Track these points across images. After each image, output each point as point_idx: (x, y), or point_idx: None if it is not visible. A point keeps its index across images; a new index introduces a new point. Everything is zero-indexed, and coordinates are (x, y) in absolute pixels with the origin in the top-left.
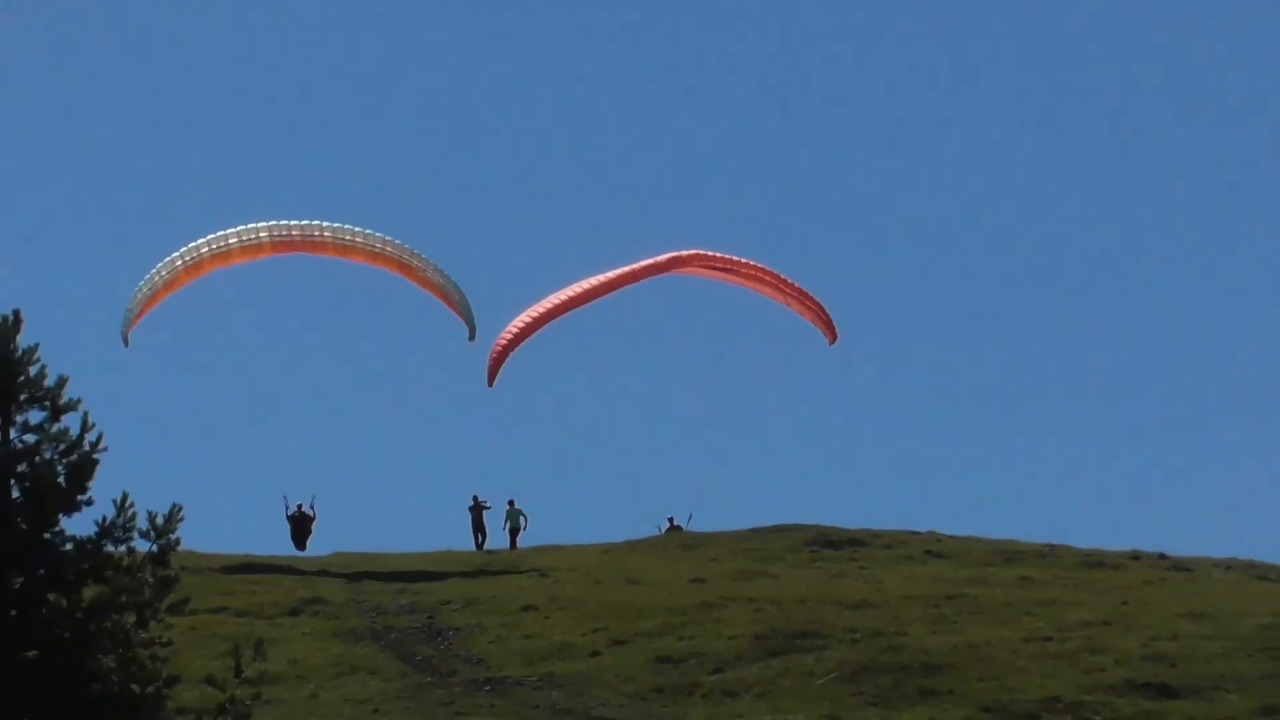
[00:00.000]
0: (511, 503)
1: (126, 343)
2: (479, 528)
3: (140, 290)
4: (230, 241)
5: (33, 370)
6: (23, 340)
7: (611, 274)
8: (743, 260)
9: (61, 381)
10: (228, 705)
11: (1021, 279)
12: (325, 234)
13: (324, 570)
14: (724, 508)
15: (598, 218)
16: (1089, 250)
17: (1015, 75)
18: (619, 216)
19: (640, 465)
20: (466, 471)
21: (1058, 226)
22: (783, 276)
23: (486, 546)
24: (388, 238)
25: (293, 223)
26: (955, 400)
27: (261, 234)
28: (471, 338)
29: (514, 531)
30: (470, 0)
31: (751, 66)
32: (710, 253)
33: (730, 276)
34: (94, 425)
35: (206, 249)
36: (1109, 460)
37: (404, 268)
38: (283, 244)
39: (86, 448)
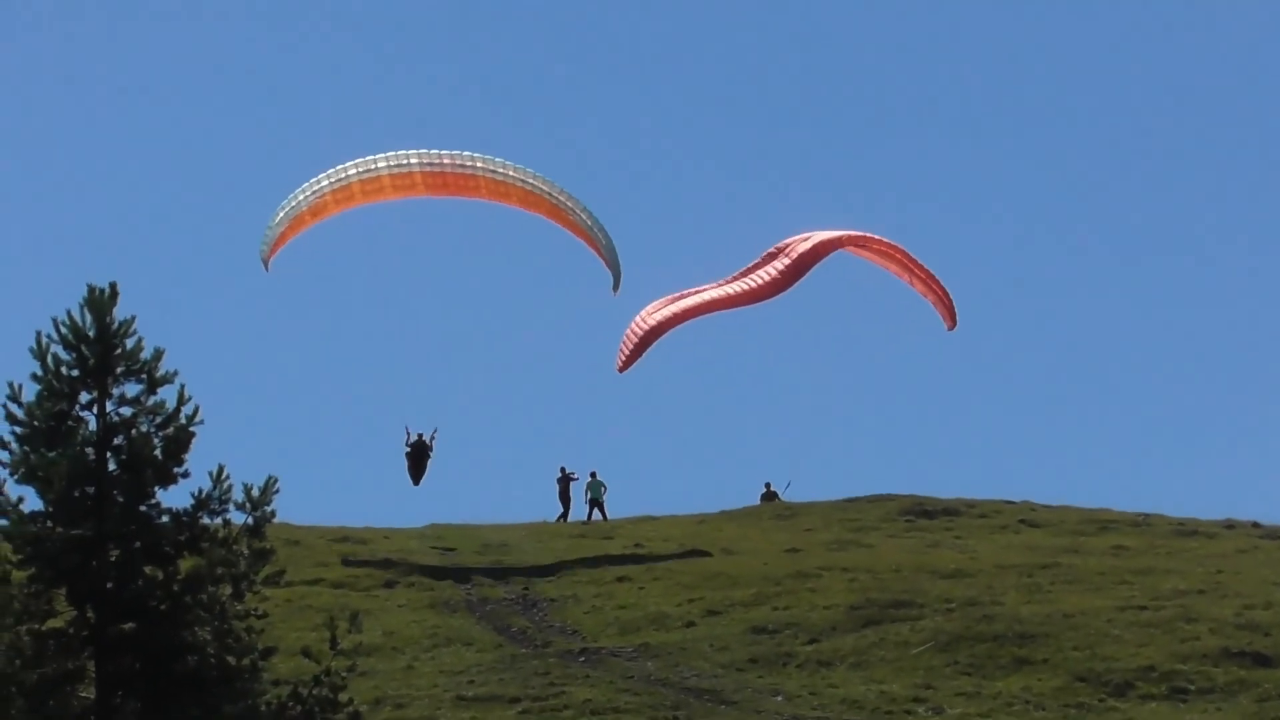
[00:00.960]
0: (594, 474)
1: (267, 267)
2: (565, 500)
3: (282, 212)
4: (379, 166)
5: (129, 343)
6: (119, 313)
7: (769, 273)
8: (876, 237)
9: (158, 354)
10: (323, 677)
11: (1105, 253)
12: (478, 164)
13: (427, 542)
14: (819, 477)
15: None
16: (1176, 226)
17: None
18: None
19: (738, 434)
20: (564, 440)
21: (1151, 203)
22: (913, 257)
23: (571, 519)
24: (535, 172)
25: (444, 152)
26: (1048, 369)
27: (412, 160)
28: (615, 288)
29: (594, 502)
30: None
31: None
32: (857, 233)
33: (861, 251)
34: (190, 398)
35: (355, 171)
36: (1203, 429)
37: (554, 210)
38: (434, 174)
39: (183, 420)
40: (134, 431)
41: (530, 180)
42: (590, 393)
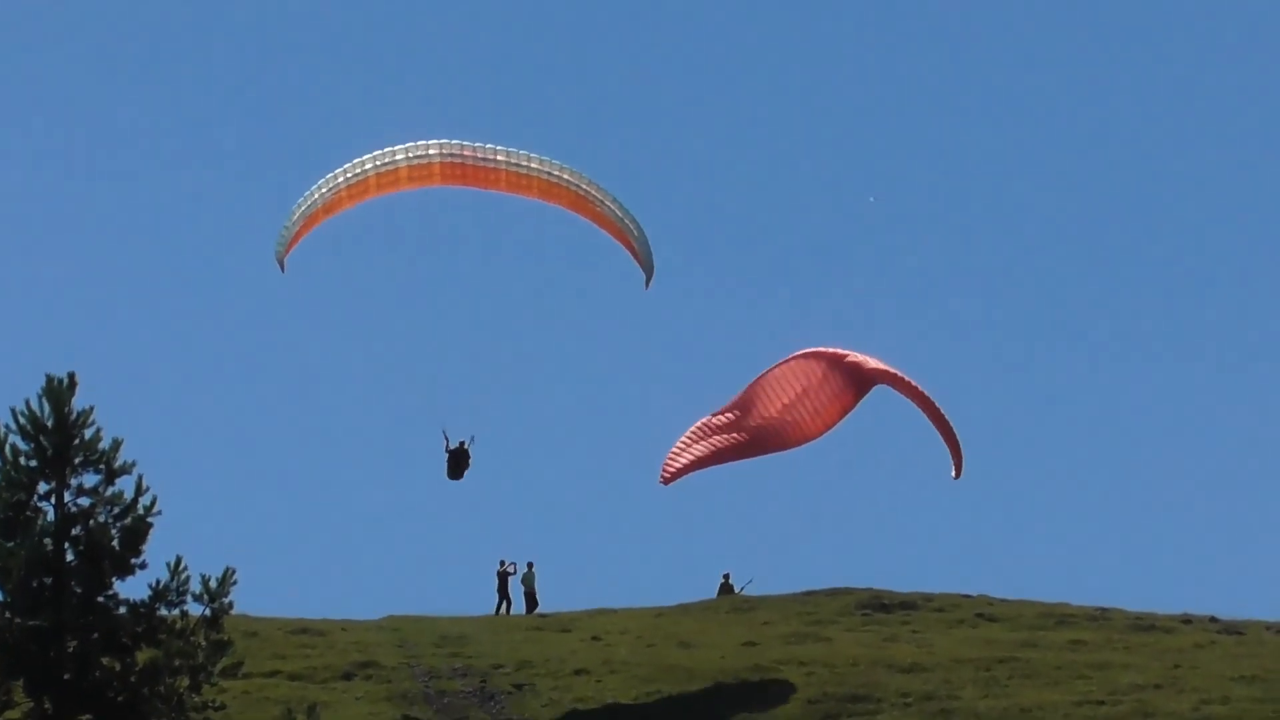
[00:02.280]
0: (530, 565)
1: (283, 268)
2: (503, 593)
3: (297, 210)
4: (397, 158)
5: (87, 433)
6: (78, 403)
7: (816, 414)
8: (909, 382)
9: (116, 444)
10: None
11: (1059, 350)
12: (499, 156)
13: (377, 631)
14: (776, 570)
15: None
16: (1126, 331)
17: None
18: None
19: (696, 526)
20: (519, 530)
21: (1094, 302)
22: (937, 405)
23: (512, 613)
24: (561, 163)
25: (464, 143)
26: (1005, 463)
27: (431, 151)
28: (648, 284)
29: (530, 595)
30: None
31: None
32: (893, 371)
33: (897, 387)
34: (148, 489)
35: (372, 165)
36: (1160, 522)
37: (578, 201)
38: (453, 165)
39: (140, 511)
40: (92, 522)
41: (554, 171)
42: (550, 482)
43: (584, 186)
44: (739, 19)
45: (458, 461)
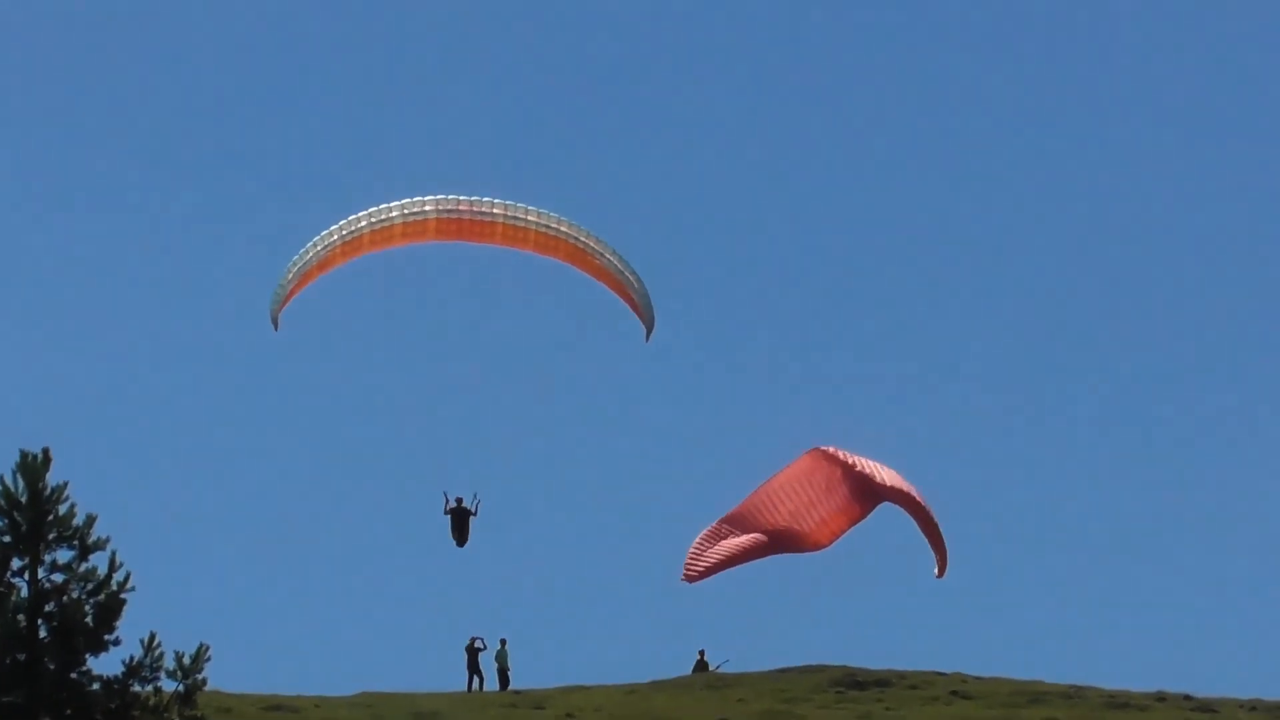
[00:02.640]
0: (503, 641)
1: (276, 326)
2: (474, 668)
3: (292, 268)
4: (392, 215)
5: (62, 509)
6: (52, 478)
7: (823, 524)
8: (917, 500)
9: (90, 520)
10: None
11: (1038, 417)
12: (495, 210)
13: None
14: (751, 647)
15: None
16: (1092, 400)
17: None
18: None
19: (671, 603)
20: (492, 605)
21: (1051, 370)
22: (922, 502)
23: (485, 689)
24: (561, 217)
25: (460, 197)
26: (979, 540)
27: (427, 207)
28: (648, 337)
29: (503, 672)
30: None
31: None
32: (904, 488)
33: (902, 503)
34: (121, 564)
35: (366, 223)
36: (1135, 600)
37: (575, 253)
38: (448, 221)
39: (114, 587)
40: (65, 598)
41: (551, 224)
42: (526, 557)
43: (582, 239)
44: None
45: (459, 522)
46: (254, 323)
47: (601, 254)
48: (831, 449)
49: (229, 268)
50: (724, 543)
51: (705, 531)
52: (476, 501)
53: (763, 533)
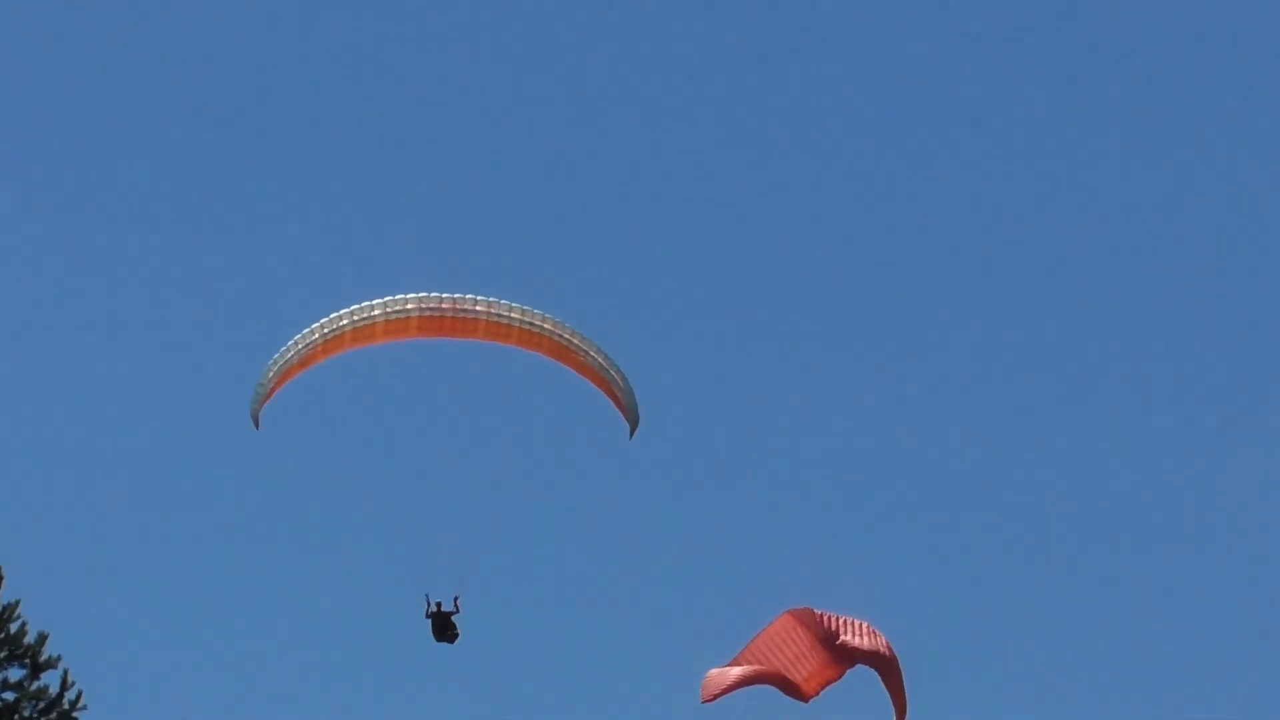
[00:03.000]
0: None
1: (257, 424)
2: None
3: (272, 367)
4: (374, 314)
5: (13, 627)
6: (4, 596)
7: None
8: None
9: (42, 638)
10: None
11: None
12: (478, 307)
13: None
14: None
15: None
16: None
17: None
18: None
19: None
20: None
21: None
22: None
23: None
24: (543, 313)
25: (443, 295)
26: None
27: (409, 306)
28: (632, 434)
29: None
30: None
31: None
32: (883, 652)
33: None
34: (74, 683)
35: (348, 320)
36: None
37: (558, 349)
38: (430, 319)
39: (66, 706)
40: (17, 717)
41: (534, 320)
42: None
43: (565, 335)
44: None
45: (440, 626)
46: (206, 431)
47: (585, 351)
48: (805, 610)
49: (192, 382)
50: (738, 670)
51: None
52: (456, 600)
53: (770, 670)
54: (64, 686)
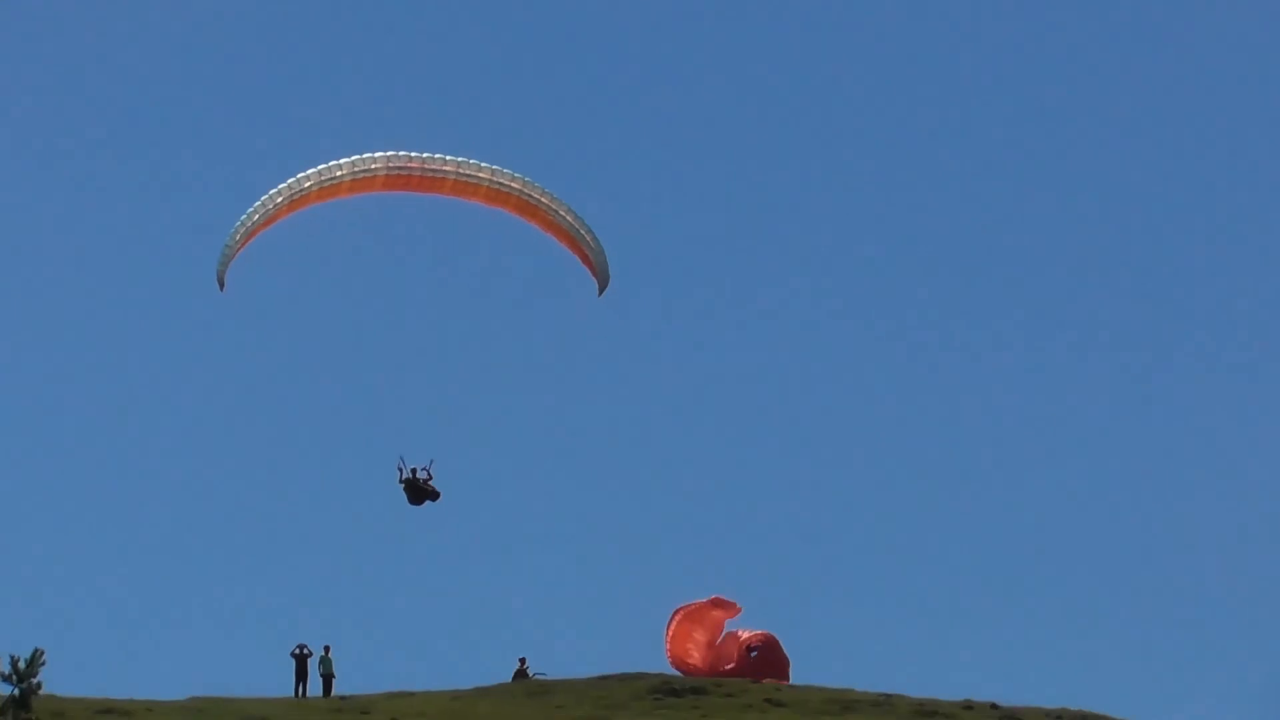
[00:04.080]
0: (327, 649)
1: (222, 285)
2: (302, 675)
3: (239, 229)
4: (339, 174)
5: None
6: None
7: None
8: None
9: None
10: None
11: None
12: (447, 167)
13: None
14: (571, 654)
15: None
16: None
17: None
18: None
19: (494, 609)
20: (320, 609)
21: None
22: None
23: (309, 695)
24: (513, 173)
25: (411, 154)
26: (790, 547)
27: (375, 165)
28: (600, 292)
29: (327, 678)
30: None
31: None
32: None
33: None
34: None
35: (312, 182)
36: (943, 608)
37: (524, 206)
38: (397, 178)
39: None
40: None
41: (501, 179)
42: (349, 564)
43: (534, 193)
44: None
45: (415, 492)
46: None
47: (554, 210)
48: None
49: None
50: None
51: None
52: (430, 467)
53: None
54: None
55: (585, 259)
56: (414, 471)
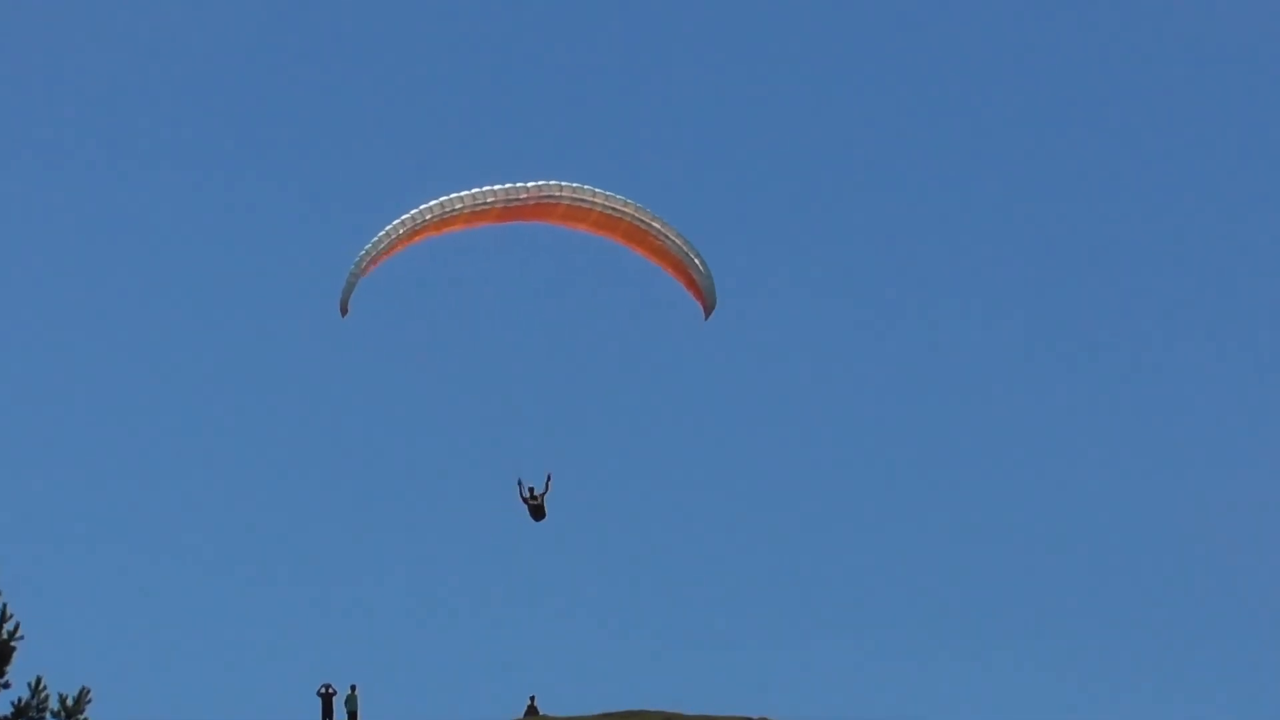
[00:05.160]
0: (353, 687)
1: (344, 311)
2: (328, 714)
3: (363, 256)
4: (458, 206)
5: None
6: None
7: None
8: None
9: None
10: None
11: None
12: (561, 193)
13: None
14: (578, 691)
15: None
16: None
17: None
18: None
19: (504, 647)
20: (331, 647)
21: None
22: None
23: None
24: (624, 198)
25: (525, 185)
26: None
27: (491, 199)
28: (707, 315)
29: (352, 715)
30: None
31: None
32: None
33: None
34: (12, 615)
35: (433, 214)
36: (722, 624)
37: (635, 233)
38: (511, 208)
39: (4, 635)
40: None
41: (614, 204)
42: (361, 603)
43: (645, 218)
44: None
45: (534, 511)
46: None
47: (665, 235)
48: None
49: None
50: None
51: None
52: (548, 481)
53: None
54: (2, 618)
55: (692, 284)
56: (531, 490)
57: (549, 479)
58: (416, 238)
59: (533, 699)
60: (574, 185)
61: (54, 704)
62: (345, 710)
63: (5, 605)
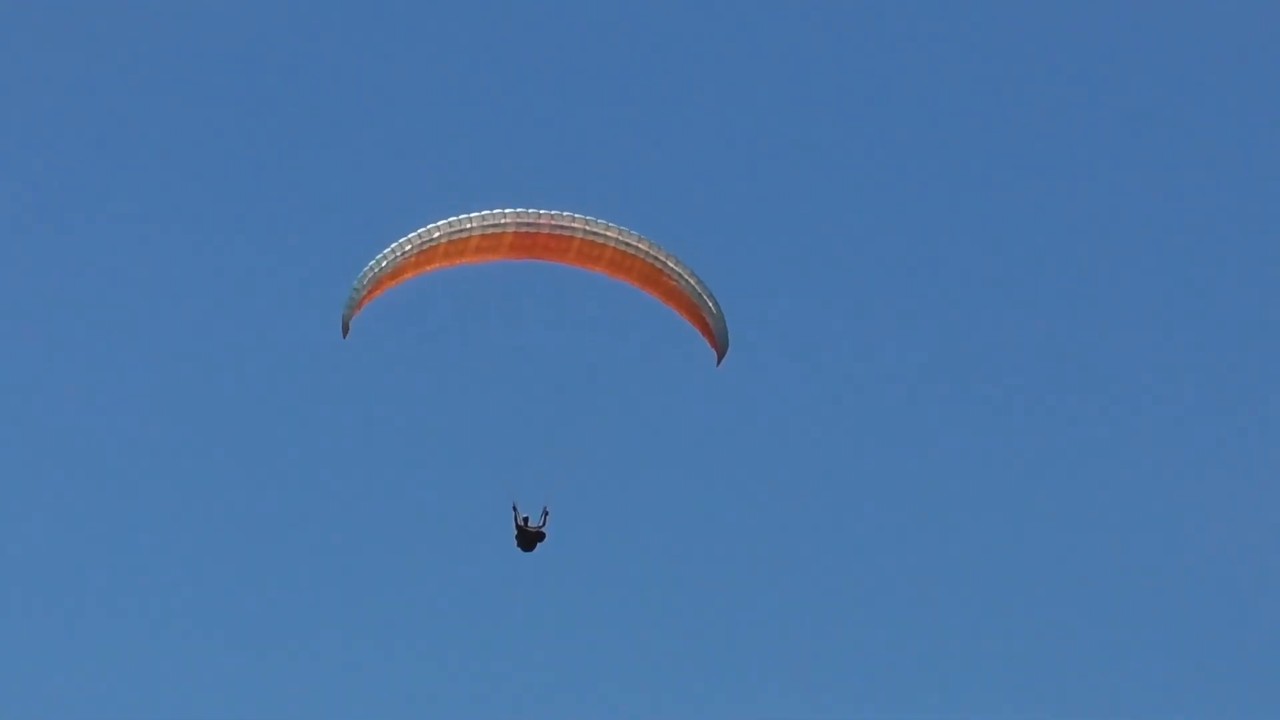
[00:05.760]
0: None
1: (346, 332)
2: None
3: (366, 274)
4: (469, 226)
5: None
6: None
7: None
8: None
9: None
10: None
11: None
12: (575, 224)
13: None
14: None
15: None
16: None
17: None
18: None
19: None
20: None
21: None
22: None
23: None
24: (639, 234)
25: (540, 210)
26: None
27: (505, 220)
28: (719, 362)
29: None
30: None
31: None
32: None
33: None
34: None
35: (440, 233)
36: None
37: (650, 273)
38: (525, 236)
39: None
40: None
41: (629, 239)
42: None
43: (660, 256)
44: None
45: (526, 539)
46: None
47: (682, 275)
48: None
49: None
50: None
51: None
52: (544, 515)
53: None
54: None
55: (705, 328)
56: (526, 520)
57: (546, 514)
58: (427, 267)
59: None
60: (586, 218)
61: None
62: None
63: None
